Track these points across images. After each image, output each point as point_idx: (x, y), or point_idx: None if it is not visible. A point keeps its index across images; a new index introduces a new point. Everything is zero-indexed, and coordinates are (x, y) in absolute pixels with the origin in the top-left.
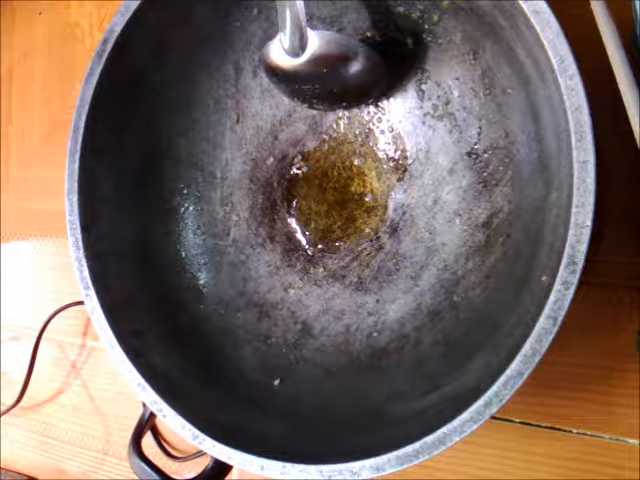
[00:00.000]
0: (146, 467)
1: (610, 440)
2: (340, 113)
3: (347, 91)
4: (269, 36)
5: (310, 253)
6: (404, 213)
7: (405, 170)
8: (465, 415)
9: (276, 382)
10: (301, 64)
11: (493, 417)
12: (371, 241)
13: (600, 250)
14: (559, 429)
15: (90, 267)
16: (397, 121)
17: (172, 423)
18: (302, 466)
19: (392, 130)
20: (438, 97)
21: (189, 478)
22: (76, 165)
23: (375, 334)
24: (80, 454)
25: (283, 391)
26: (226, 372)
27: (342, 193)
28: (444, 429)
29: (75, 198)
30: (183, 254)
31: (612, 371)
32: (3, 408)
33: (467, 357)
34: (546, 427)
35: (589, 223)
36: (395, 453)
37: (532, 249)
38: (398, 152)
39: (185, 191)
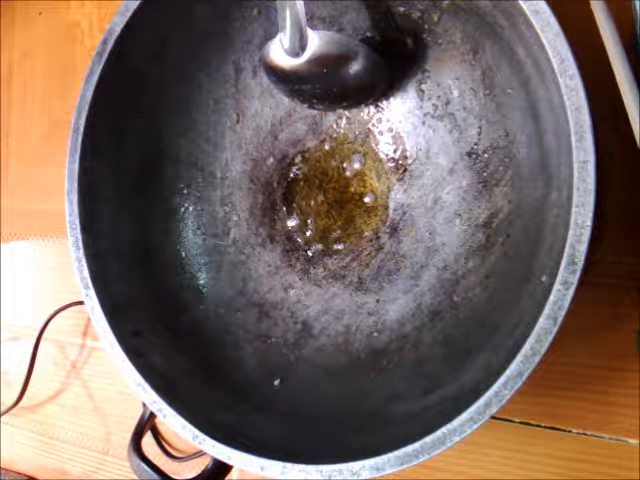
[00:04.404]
0: (146, 467)
1: (610, 440)
2: (340, 113)
3: (347, 91)
4: (269, 36)
5: (310, 253)
6: (404, 213)
7: (405, 170)
8: (465, 415)
9: (276, 382)
10: (301, 64)
11: (493, 417)
12: (371, 241)
13: (600, 250)
14: (559, 429)
15: (90, 267)
16: (397, 121)
17: (172, 423)
18: (302, 466)
19: (392, 130)
20: (438, 97)
21: (189, 478)
22: (76, 165)
23: (375, 334)
24: (80, 454)
25: (283, 391)
26: (226, 372)
27: (342, 193)
28: (444, 429)
29: (75, 198)
30: (183, 254)
31: (612, 371)
32: (3, 408)
33: (467, 357)
34: (546, 427)
35: (589, 223)
36: (395, 453)
37: (532, 249)
38: (398, 152)
39: (185, 191)
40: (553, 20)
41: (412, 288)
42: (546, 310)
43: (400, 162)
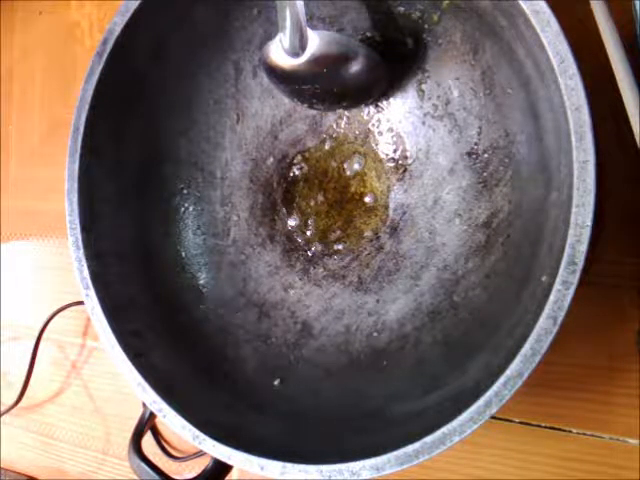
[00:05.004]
0: (146, 467)
1: (610, 440)
2: (340, 113)
3: (347, 91)
4: (269, 36)
5: (310, 253)
6: (404, 213)
7: (405, 170)
8: (465, 415)
9: (276, 382)
10: (301, 64)
11: (493, 417)
12: (371, 241)
13: (600, 250)
14: (559, 429)
15: (90, 267)
16: (397, 121)
17: (172, 423)
18: (302, 466)
19: (392, 130)
20: (438, 97)
21: (189, 478)
22: (76, 165)
23: (375, 334)
24: (80, 454)
25: (283, 391)
26: (226, 372)
27: (342, 193)
28: (444, 429)
29: (75, 198)
30: (183, 254)
31: (612, 371)
32: (3, 408)
33: (467, 357)
34: (546, 427)
35: (589, 223)
36: (395, 453)
37: (532, 249)
38: (398, 152)
39: (185, 191)
40: (553, 20)
41: (412, 288)
42: (546, 310)
43: (400, 162)
